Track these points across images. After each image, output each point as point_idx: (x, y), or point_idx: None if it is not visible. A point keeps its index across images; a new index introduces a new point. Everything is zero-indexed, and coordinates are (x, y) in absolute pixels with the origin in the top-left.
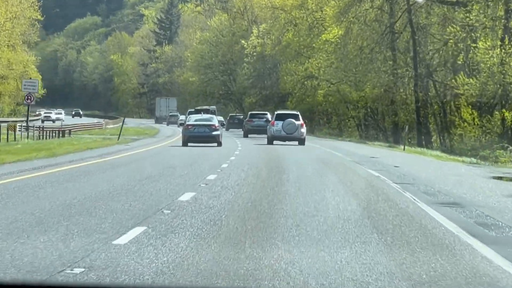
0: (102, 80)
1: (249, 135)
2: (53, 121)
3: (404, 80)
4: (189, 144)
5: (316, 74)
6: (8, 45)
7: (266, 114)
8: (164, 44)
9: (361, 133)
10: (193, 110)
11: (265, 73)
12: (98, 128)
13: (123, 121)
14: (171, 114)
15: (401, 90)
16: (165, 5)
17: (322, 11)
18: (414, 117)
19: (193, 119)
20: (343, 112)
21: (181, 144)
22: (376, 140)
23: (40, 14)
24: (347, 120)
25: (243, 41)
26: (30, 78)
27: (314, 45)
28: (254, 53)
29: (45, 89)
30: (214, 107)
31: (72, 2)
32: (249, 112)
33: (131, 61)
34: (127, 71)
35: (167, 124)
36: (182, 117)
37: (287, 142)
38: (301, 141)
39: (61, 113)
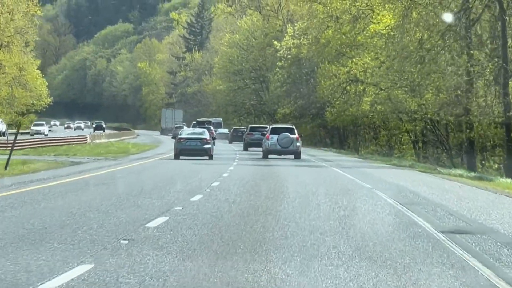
0: (132, 91)
1: (248, 149)
2: (1, 134)
3: (482, 80)
4: (181, 157)
5: (361, 77)
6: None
7: (266, 127)
8: (194, 50)
9: (417, 152)
10: (195, 122)
11: (301, 79)
12: (77, 143)
13: (14, 141)
14: (176, 126)
15: (480, 94)
16: (196, 8)
17: None
18: (495, 132)
19: (185, 132)
20: (395, 125)
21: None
22: (438, 162)
23: (39, 9)
24: (399, 136)
25: (275, 42)
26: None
27: (359, 38)
28: (289, 56)
29: (51, 98)
30: (220, 119)
31: (105, 9)
32: (249, 126)
33: (159, 70)
34: (155, 80)
35: (172, 136)
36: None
37: (282, 156)
38: (297, 155)
39: (43, 124)
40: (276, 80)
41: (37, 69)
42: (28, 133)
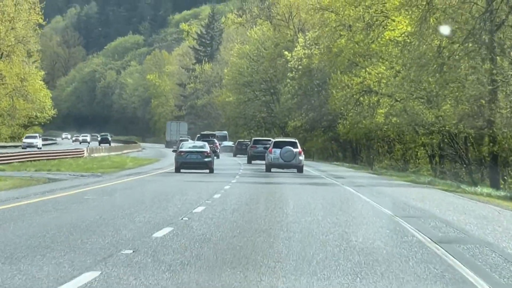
0: (141, 103)
1: (252, 161)
2: None
3: (506, 90)
4: (181, 170)
5: (375, 87)
6: (0, 54)
7: (270, 140)
8: (204, 62)
9: (434, 167)
10: (199, 135)
11: (313, 91)
12: (73, 157)
13: None
14: (181, 138)
15: (503, 105)
16: (206, 19)
17: (384, 3)
18: None
19: (186, 145)
20: (411, 138)
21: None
22: (457, 177)
23: (41, 17)
24: (415, 149)
25: (286, 53)
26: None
27: (373, 46)
28: (300, 66)
29: (55, 110)
30: (225, 132)
31: (115, 20)
32: (253, 138)
33: (169, 82)
34: (165, 92)
35: (173, 150)
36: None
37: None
38: (299, 169)
39: (36, 137)
40: (287, 92)
41: (41, 80)
42: (20, 146)
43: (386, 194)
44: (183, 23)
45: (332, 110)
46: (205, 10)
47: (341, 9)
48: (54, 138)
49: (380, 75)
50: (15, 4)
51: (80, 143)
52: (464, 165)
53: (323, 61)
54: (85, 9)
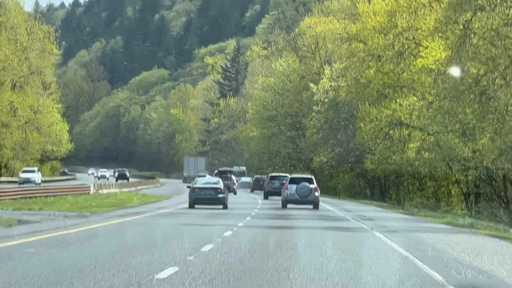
0: (166, 138)
1: (269, 197)
2: None
3: None
4: (195, 206)
5: (406, 120)
6: (13, 85)
7: (287, 176)
8: (228, 96)
9: (469, 206)
10: (217, 171)
11: (339, 125)
12: (77, 194)
13: None
14: (199, 174)
15: None
16: (231, 53)
17: (416, 29)
18: None
19: (200, 182)
20: (444, 175)
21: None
22: (495, 218)
23: (56, 47)
24: (448, 187)
25: (311, 85)
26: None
27: (404, 75)
28: (326, 99)
29: (72, 144)
30: (243, 168)
31: (141, 55)
32: (269, 174)
33: (193, 116)
34: (189, 127)
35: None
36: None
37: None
38: (315, 205)
39: (34, 171)
40: (312, 126)
41: (58, 113)
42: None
43: (427, 244)
44: (208, 57)
45: (360, 145)
46: (231, 44)
47: (369, 37)
48: (73, 173)
49: (411, 106)
50: (28, 33)
51: (98, 179)
52: (503, 205)
53: (351, 93)
54: (110, 44)
